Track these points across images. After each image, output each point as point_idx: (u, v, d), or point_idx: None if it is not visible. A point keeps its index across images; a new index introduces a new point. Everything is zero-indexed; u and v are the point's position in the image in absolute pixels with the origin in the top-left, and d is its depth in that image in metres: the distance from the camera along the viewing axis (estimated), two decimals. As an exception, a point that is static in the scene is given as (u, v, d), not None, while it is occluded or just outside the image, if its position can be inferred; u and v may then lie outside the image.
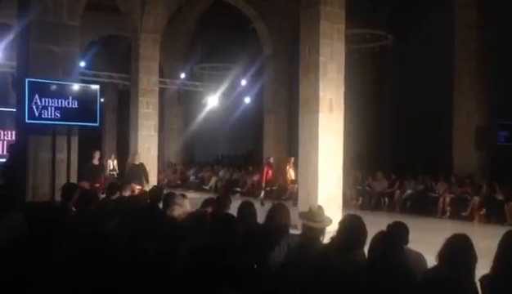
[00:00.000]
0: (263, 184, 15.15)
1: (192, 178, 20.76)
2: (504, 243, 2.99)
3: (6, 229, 3.91)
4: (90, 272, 2.67)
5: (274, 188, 15.13)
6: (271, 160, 15.42)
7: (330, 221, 4.04)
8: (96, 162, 11.89)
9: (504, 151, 14.18)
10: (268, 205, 11.41)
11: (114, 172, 20.35)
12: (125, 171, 13.65)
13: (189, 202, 5.44)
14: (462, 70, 14.21)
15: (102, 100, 19.61)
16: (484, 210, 12.12)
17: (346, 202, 11.60)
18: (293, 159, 14.71)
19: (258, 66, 20.14)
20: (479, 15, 13.92)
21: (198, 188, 19.63)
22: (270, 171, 15.15)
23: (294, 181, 14.41)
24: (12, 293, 2.72)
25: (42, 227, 3.04)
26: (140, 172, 12.10)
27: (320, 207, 4.13)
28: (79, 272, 2.68)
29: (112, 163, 20.18)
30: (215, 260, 2.78)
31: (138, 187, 10.65)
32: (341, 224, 3.55)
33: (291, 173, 15.02)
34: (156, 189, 6.18)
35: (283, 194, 15.36)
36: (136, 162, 12.48)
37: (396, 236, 3.79)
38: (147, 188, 10.40)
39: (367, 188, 15.19)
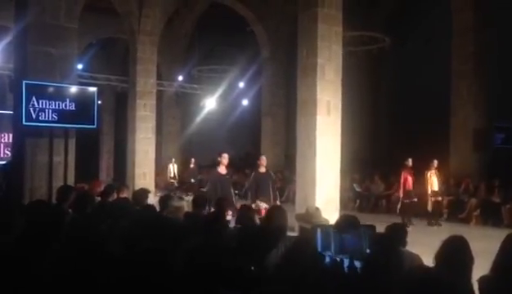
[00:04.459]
0: (401, 195, 11.92)
1: (185, 181, 20.71)
2: (505, 245, 3.00)
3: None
4: (84, 274, 2.66)
5: (415, 200, 11.96)
6: (410, 163, 11.91)
7: (326, 223, 4.05)
8: (263, 169, 9.28)
9: (501, 153, 14.19)
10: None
11: (175, 181, 19.30)
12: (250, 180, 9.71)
13: (186, 204, 5.46)
14: (459, 73, 14.25)
15: (100, 102, 19.60)
16: (478, 211, 12.15)
17: (344, 204, 11.60)
18: (436, 163, 12.04)
19: (255, 68, 20.19)
20: (476, 18, 13.97)
21: (196, 190, 19.60)
22: (410, 178, 11.90)
23: (437, 193, 12.06)
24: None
25: (38, 228, 3.04)
26: (268, 183, 9.18)
27: (317, 209, 4.14)
28: (74, 274, 2.67)
29: (173, 169, 19.16)
30: (212, 262, 2.78)
31: (266, 205, 8.06)
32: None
33: (433, 181, 12.00)
34: (139, 192, 6.21)
35: (423, 209, 12.12)
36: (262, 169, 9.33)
37: (394, 238, 3.80)
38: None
39: (365, 193, 15.28)
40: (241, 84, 21.80)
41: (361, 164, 16.76)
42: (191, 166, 20.36)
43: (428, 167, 12.06)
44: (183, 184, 20.70)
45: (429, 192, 11.91)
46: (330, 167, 9.87)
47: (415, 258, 3.80)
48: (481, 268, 3.06)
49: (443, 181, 12.51)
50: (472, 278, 3.03)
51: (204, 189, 17.73)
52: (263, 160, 9.29)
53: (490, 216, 12.12)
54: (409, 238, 4.17)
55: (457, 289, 2.62)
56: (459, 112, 14.26)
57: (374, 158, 18.00)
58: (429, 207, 12.00)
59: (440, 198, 12.18)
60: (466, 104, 14.12)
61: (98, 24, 19.53)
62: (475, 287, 3.02)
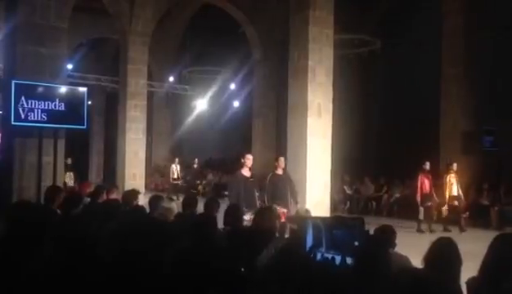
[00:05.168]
0: (419, 200, 11.54)
1: (181, 181, 20.66)
2: (493, 247, 3.02)
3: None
4: (72, 276, 2.64)
5: (429, 204, 11.59)
6: (428, 166, 11.52)
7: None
8: (280, 171, 8.26)
9: (489, 156, 14.28)
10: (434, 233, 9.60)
11: (179, 182, 19.11)
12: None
13: (176, 206, 5.44)
14: (449, 76, 14.33)
15: (90, 102, 19.49)
16: (467, 213, 12.23)
17: (334, 206, 11.62)
18: (455, 166, 11.68)
19: (246, 70, 20.18)
20: (466, 21, 14.05)
21: (186, 191, 19.52)
22: (427, 182, 11.54)
23: (456, 198, 11.62)
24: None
25: (23, 229, 3.01)
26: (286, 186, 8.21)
27: (307, 211, 4.15)
28: (62, 276, 2.65)
29: (176, 170, 18.97)
30: (201, 263, 2.77)
31: (284, 210, 7.18)
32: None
33: (453, 185, 11.63)
34: (129, 193, 6.17)
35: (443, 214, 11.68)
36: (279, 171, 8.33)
37: (383, 239, 3.82)
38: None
39: (355, 195, 15.34)
40: (232, 86, 21.80)
41: (351, 166, 16.81)
42: (195, 166, 20.26)
43: (446, 171, 11.76)
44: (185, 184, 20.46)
45: (447, 197, 11.54)
46: (321, 168, 9.90)
47: (404, 260, 3.83)
48: (469, 269, 3.08)
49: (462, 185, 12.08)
50: (460, 279, 3.05)
51: (194, 191, 17.73)
52: (281, 162, 8.31)
53: (479, 219, 12.20)
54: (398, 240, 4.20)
55: (445, 290, 2.63)
56: (448, 114, 14.34)
57: (364, 159, 18.06)
58: (444, 213, 11.63)
59: (456, 203, 11.64)
60: (455, 107, 14.20)
61: (89, 24, 19.45)
62: (464, 288, 3.04)
